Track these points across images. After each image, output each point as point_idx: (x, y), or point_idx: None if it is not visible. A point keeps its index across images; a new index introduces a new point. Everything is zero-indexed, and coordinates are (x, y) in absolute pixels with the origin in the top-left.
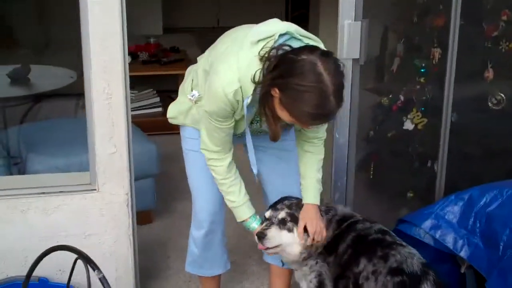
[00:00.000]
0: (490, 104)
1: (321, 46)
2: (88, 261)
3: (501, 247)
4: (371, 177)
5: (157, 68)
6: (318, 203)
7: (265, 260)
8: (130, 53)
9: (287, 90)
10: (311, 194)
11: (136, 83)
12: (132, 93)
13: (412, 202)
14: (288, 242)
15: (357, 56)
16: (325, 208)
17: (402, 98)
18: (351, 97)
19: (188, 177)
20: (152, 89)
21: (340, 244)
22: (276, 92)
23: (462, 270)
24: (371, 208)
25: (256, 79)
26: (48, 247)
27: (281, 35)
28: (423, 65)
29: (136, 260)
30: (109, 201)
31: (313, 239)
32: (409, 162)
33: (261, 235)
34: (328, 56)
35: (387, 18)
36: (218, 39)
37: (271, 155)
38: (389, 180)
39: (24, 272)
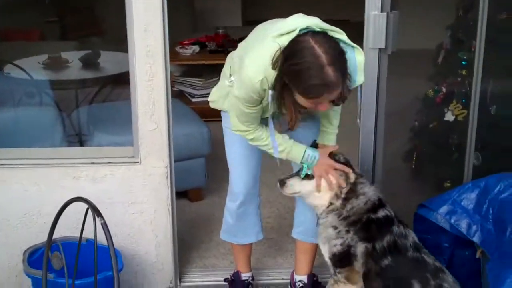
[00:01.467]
0: None
1: (344, 37)
2: (93, 208)
3: (507, 232)
4: (413, 166)
5: (222, 57)
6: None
7: (292, 236)
8: (199, 43)
9: (290, 72)
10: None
11: (203, 71)
12: (199, 81)
13: None
14: (306, 190)
15: (382, 46)
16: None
17: (444, 90)
18: (379, 85)
19: (227, 152)
20: (218, 78)
21: (376, 238)
22: (285, 78)
23: (477, 255)
24: (410, 196)
25: (277, 70)
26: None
27: (301, 29)
28: (465, 57)
29: (174, 229)
30: (150, 173)
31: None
32: (448, 153)
33: (282, 183)
34: (318, 33)
35: (433, 10)
36: (253, 30)
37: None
38: (429, 170)
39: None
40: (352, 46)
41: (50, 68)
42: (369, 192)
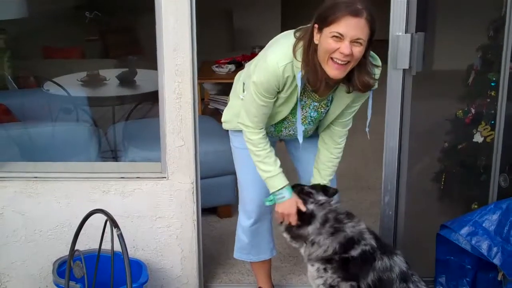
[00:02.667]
0: None
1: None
2: (111, 219)
3: None
4: (442, 187)
5: None
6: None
7: None
8: (235, 62)
9: (318, 14)
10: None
11: None
12: None
13: None
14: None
15: (406, 67)
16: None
17: (473, 111)
18: (403, 104)
19: (237, 171)
20: None
21: (359, 277)
22: (315, 26)
23: (499, 278)
24: (438, 217)
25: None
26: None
27: None
28: (494, 79)
29: (200, 244)
30: (177, 188)
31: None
32: (476, 174)
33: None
34: None
35: (466, 32)
36: (265, 46)
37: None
38: (457, 191)
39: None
40: (372, 57)
41: (88, 85)
42: (325, 241)
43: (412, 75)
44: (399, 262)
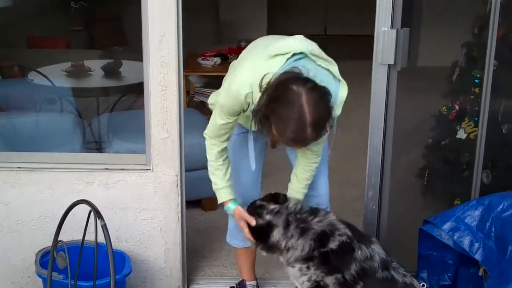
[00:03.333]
0: None
1: (335, 69)
2: (95, 210)
3: (508, 250)
4: (425, 183)
5: None
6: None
7: None
8: (221, 55)
9: (274, 114)
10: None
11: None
12: None
13: None
14: None
15: (391, 62)
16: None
17: (457, 107)
18: (387, 100)
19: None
20: None
21: (343, 268)
22: (269, 112)
23: (480, 273)
24: (422, 212)
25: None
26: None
27: (295, 54)
28: (478, 76)
29: (183, 236)
30: (162, 180)
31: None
32: (459, 171)
33: None
34: (315, 89)
35: (451, 28)
36: (253, 42)
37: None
38: (440, 186)
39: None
40: (339, 80)
41: (73, 75)
42: (298, 242)
43: (397, 70)
44: (377, 250)
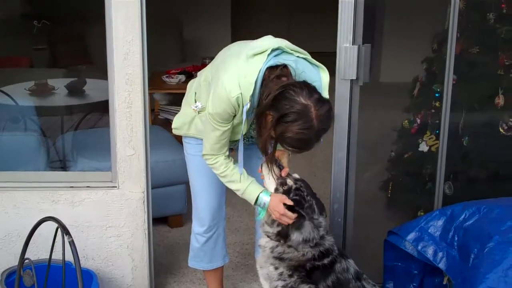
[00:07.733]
0: (501, 130)
1: (309, 57)
2: (62, 227)
3: (471, 259)
4: (389, 195)
5: None
6: None
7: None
8: (186, 72)
9: (281, 123)
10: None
11: None
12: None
13: None
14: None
15: (353, 77)
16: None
17: (418, 121)
18: (350, 115)
19: (190, 178)
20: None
21: (320, 280)
22: (271, 116)
23: (444, 282)
24: (386, 224)
25: (257, 90)
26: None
27: (273, 50)
28: (438, 90)
29: (151, 253)
30: (128, 198)
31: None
32: (422, 183)
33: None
34: (323, 103)
35: (412, 45)
36: (217, 55)
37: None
38: (404, 199)
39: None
40: (317, 66)
41: (36, 94)
42: (304, 249)
43: (359, 85)
44: (352, 264)
